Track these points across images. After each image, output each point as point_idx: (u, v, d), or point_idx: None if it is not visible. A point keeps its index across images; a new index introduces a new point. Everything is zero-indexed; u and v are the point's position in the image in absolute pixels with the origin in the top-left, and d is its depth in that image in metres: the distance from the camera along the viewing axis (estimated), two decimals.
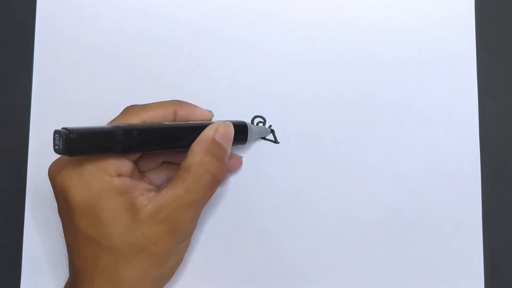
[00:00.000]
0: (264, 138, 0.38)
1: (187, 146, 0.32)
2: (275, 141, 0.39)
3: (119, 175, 0.31)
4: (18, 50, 0.40)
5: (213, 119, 0.36)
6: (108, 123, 0.32)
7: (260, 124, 0.38)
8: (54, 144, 0.28)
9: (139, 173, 0.35)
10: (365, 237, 0.38)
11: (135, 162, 0.33)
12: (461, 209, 0.38)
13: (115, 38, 0.39)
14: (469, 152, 0.38)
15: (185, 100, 0.35)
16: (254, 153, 0.38)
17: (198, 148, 0.32)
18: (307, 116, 0.39)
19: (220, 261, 0.38)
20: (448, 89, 0.39)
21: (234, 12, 0.39)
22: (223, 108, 0.38)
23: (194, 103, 0.35)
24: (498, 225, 0.38)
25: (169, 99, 0.35)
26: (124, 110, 0.34)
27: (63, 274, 0.36)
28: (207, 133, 0.33)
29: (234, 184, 0.38)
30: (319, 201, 0.38)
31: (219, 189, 0.38)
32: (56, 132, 0.28)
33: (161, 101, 0.34)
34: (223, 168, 0.33)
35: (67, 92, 0.39)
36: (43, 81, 0.39)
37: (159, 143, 0.32)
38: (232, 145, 0.35)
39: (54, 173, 0.31)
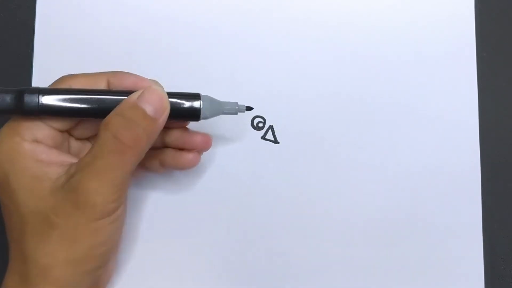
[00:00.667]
0: (264, 139, 0.38)
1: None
2: (275, 141, 0.39)
3: (34, 140, 0.29)
4: (18, 50, 0.40)
5: None
6: None
7: (260, 125, 0.38)
8: None
9: (78, 141, 0.32)
10: (365, 237, 0.38)
11: (74, 130, 0.31)
12: (461, 209, 0.38)
13: (115, 38, 0.39)
14: (469, 152, 0.38)
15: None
16: (254, 153, 0.38)
17: (113, 111, 0.29)
18: (307, 116, 0.39)
19: (220, 261, 0.37)
20: (448, 89, 0.39)
21: (234, 11, 0.39)
22: None
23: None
24: (498, 225, 0.38)
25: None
26: (55, 80, 0.31)
27: None
28: (129, 97, 0.29)
29: (234, 184, 0.38)
30: (319, 201, 0.38)
31: (219, 189, 0.38)
32: None
33: (95, 72, 0.32)
34: (133, 130, 0.28)
35: None
36: (43, 81, 0.39)
37: (77, 109, 0.29)
38: (181, 120, 0.33)
39: None
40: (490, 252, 0.38)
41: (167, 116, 0.30)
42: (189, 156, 0.34)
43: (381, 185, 0.38)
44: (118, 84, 0.31)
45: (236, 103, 0.33)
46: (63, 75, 0.32)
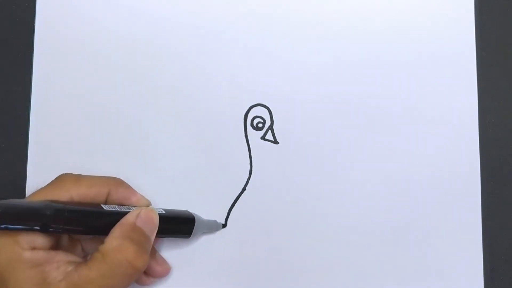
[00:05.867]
0: (264, 139, 0.38)
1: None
2: (275, 141, 0.39)
3: (32, 248, 0.30)
4: (18, 50, 0.40)
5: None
6: (38, 191, 0.32)
7: (260, 125, 0.38)
8: None
9: (70, 239, 0.34)
10: (365, 237, 0.38)
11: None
12: (461, 209, 0.38)
13: (115, 38, 0.39)
14: (469, 152, 0.38)
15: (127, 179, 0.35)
16: (254, 153, 0.38)
17: (117, 232, 0.31)
18: (307, 116, 0.39)
19: (220, 260, 0.38)
20: (448, 89, 0.39)
21: (234, 12, 0.39)
22: (223, 108, 0.38)
23: (132, 186, 0.35)
24: (498, 225, 0.38)
25: (108, 176, 0.35)
26: (56, 180, 0.33)
27: None
28: (128, 217, 0.32)
29: (234, 184, 0.38)
30: (319, 201, 0.38)
31: (219, 189, 0.38)
32: None
33: (97, 177, 0.34)
34: (142, 255, 0.31)
35: (67, 92, 0.39)
36: (43, 81, 0.39)
37: (82, 228, 0.31)
38: (174, 237, 0.36)
39: None
40: (490, 252, 0.38)
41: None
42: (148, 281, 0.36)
43: (381, 185, 0.38)
44: (117, 201, 0.34)
45: (215, 221, 0.37)
46: (63, 173, 0.34)
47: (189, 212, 0.36)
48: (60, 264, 0.30)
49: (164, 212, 0.35)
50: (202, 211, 0.37)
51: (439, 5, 0.39)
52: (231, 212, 0.38)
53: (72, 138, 0.39)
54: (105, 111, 0.39)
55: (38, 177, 0.38)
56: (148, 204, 0.35)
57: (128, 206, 0.34)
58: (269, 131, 0.39)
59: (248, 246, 0.38)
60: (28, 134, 0.39)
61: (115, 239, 0.31)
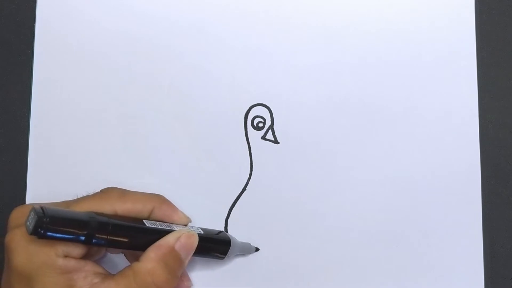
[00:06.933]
0: (264, 138, 0.38)
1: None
2: (275, 141, 0.39)
3: (65, 256, 0.30)
4: (18, 50, 0.40)
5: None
6: (83, 199, 0.32)
7: (260, 125, 0.38)
8: (27, 220, 0.28)
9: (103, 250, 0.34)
10: (365, 237, 0.38)
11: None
12: (461, 209, 0.38)
13: (115, 38, 0.39)
14: (469, 152, 0.38)
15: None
16: (254, 153, 0.38)
17: (154, 254, 0.31)
18: (307, 116, 0.39)
19: (220, 260, 0.37)
20: (448, 89, 0.39)
21: (234, 12, 0.39)
22: (224, 108, 0.38)
23: (174, 204, 0.35)
24: (498, 225, 0.38)
25: (152, 193, 0.35)
26: (102, 192, 0.34)
27: None
28: (167, 239, 0.32)
29: (234, 184, 0.38)
30: (319, 201, 0.38)
31: (219, 188, 0.38)
32: (32, 210, 0.28)
33: (142, 194, 0.34)
34: (173, 282, 0.32)
35: (67, 92, 0.39)
36: (43, 81, 0.39)
37: (122, 243, 0.31)
38: (207, 257, 0.35)
39: (9, 225, 0.31)
40: (490, 252, 0.38)
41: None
42: None
43: (381, 185, 0.38)
44: (160, 218, 0.34)
45: (249, 244, 0.37)
46: (109, 187, 0.34)
47: (226, 233, 0.37)
48: (88, 274, 0.30)
49: (202, 232, 0.34)
50: (202, 211, 0.37)
51: (439, 5, 0.39)
52: (231, 212, 0.38)
53: (72, 138, 0.38)
54: (105, 111, 0.39)
55: (38, 177, 0.38)
56: (189, 222, 0.35)
57: (169, 224, 0.34)
58: (270, 131, 0.39)
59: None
60: (28, 134, 0.39)
61: (150, 261, 0.31)
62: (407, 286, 0.37)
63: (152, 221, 0.33)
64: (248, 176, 0.38)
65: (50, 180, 0.38)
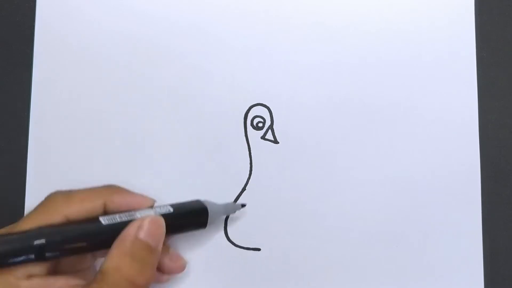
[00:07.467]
0: (264, 138, 0.38)
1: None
2: (275, 141, 0.39)
3: (29, 276, 0.29)
4: (18, 50, 0.40)
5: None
6: (28, 216, 0.30)
7: (260, 125, 0.38)
8: None
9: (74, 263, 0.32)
10: (365, 237, 0.38)
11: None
12: (461, 209, 0.38)
13: (114, 38, 0.39)
14: (469, 152, 0.38)
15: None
16: (254, 153, 0.38)
17: (116, 250, 0.29)
18: (307, 116, 0.39)
19: (220, 260, 0.37)
20: (448, 89, 0.39)
21: (234, 12, 0.39)
22: (223, 108, 0.38)
23: (131, 189, 0.33)
24: (498, 225, 0.38)
25: (101, 185, 0.32)
26: (46, 201, 0.31)
27: None
28: (128, 231, 0.30)
29: (234, 184, 0.38)
30: (319, 201, 0.38)
31: (219, 188, 0.38)
32: None
33: (89, 190, 0.32)
34: (147, 271, 0.30)
35: (67, 92, 0.39)
36: (43, 81, 0.39)
37: (81, 248, 0.30)
38: (188, 232, 0.34)
39: None
40: (490, 252, 0.38)
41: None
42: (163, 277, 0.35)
43: (380, 185, 0.38)
44: (116, 209, 0.31)
45: (232, 203, 0.36)
46: (52, 192, 0.31)
47: (201, 201, 0.34)
48: None
49: (171, 210, 0.32)
50: None
51: (439, 5, 0.39)
52: None
53: (72, 138, 0.39)
54: (105, 111, 0.39)
55: (38, 177, 0.38)
56: (153, 204, 0.33)
57: (131, 212, 0.31)
58: (269, 130, 0.39)
59: (248, 245, 0.38)
60: (28, 134, 0.39)
61: (113, 257, 0.29)
62: (407, 286, 0.37)
63: (110, 216, 0.31)
64: (248, 176, 0.38)
65: (50, 180, 0.38)
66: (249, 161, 0.38)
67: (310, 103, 0.39)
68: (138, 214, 0.31)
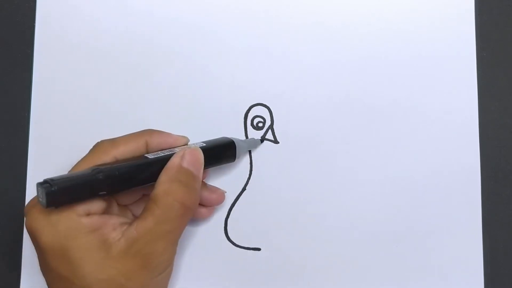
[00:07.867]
0: (263, 140, 0.38)
1: None
2: (275, 141, 0.39)
3: (88, 214, 0.31)
4: (18, 50, 0.40)
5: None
6: (80, 161, 0.33)
7: (260, 125, 0.38)
8: (38, 197, 0.29)
9: (119, 206, 0.34)
10: (365, 237, 0.38)
11: (115, 197, 0.34)
12: (461, 209, 0.38)
13: (114, 38, 0.39)
14: (469, 152, 0.38)
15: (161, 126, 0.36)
16: (254, 153, 0.38)
17: (165, 177, 0.32)
18: (307, 116, 0.39)
19: (220, 260, 0.38)
20: (448, 89, 0.39)
21: (234, 12, 0.39)
22: (224, 108, 0.38)
23: (169, 129, 0.35)
24: (498, 225, 0.38)
25: (140, 130, 0.35)
26: (94, 147, 0.34)
27: None
28: (173, 160, 0.32)
29: (233, 183, 0.38)
30: (319, 201, 0.38)
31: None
32: (38, 185, 0.29)
33: (131, 134, 0.34)
34: (193, 194, 0.32)
35: (67, 92, 0.39)
36: (43, 81, 0.39)
37: (133, 181, 0.32)
38: (220, 164, 0.36)
39: (25, 213, 0.31)
40: (490, 252, 0.38)
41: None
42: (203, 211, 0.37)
43: (381, 185, 0.38)
44: (156, 146, 0.34)
45: (253, 139, 0.38)
46: (99, 141, 0.34)
47: (227, 138, 0.37)
48: (115, 226, 0.31)
49: (204, 144, 0.35)
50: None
51: (439, 5, 0.39)
52: (231, 212, 0.38)
53: (72, 138, 0.39)
54: (105, 111, 0.39)
55: (38, 177, 0.38)
56: (187, 142, 0.35)
57: (170, 149, 0.34)
58: (269, 130, 0.39)
59: (248, 245, 0.38)
60: (28, 134, 0.39)
61: (163, 183, 0.31)
62: (407, 285, 0.37)
63: (154, 153, 0.33)
64: (248, 176, 0.38)
65: None
66: (249, 161, 0.38)
67: (310, 103, 0.39)
68: (177, 150, 0.34)
